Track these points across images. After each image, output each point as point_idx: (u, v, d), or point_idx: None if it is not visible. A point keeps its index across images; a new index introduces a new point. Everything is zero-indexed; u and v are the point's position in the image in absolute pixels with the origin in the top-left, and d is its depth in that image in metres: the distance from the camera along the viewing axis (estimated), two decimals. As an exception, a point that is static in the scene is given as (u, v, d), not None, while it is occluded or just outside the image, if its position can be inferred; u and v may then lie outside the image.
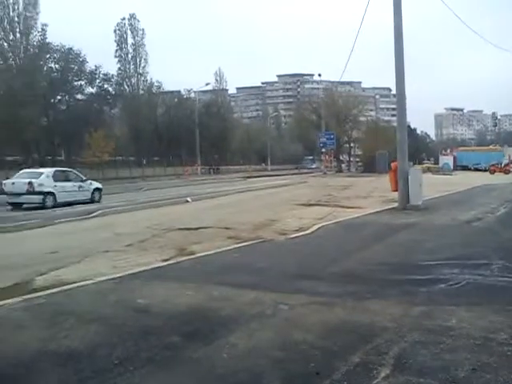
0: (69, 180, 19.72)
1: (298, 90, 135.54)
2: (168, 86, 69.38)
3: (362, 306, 4.72)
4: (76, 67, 51.81)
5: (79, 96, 54.50)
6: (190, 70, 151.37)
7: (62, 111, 52.92)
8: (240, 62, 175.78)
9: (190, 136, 60.73)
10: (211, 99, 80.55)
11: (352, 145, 72.13)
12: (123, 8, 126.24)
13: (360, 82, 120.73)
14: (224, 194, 22.99)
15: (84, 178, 20.65)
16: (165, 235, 10.24)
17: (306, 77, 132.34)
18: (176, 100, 70.90)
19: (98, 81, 54.75)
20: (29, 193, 17.53)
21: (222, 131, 70.14)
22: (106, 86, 56.39)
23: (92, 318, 4.39)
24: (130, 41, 61.59)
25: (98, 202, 19.59)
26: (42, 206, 17.25)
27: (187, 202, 18.83)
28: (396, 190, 14.65)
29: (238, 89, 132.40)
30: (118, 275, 6.22)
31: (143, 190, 27.67)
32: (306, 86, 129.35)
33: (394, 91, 19.58)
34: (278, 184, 31.42)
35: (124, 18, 60.88)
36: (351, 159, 73.74)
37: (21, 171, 20.85)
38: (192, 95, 71.29)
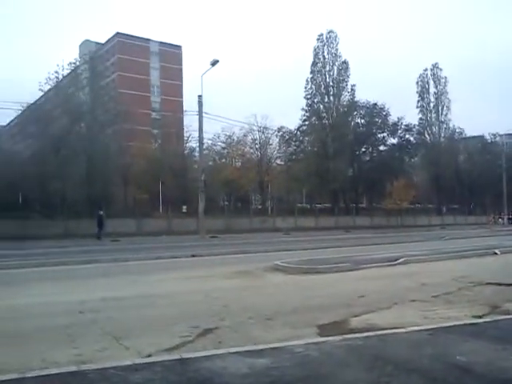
0: None
1: None
2: (470, 132, 66.50)
3: None
4: (380, 120, 54.94)
5: (381, 147, 57.27)
6: (495, 112, 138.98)
7: (365, 162, 56.47)
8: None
9: (496, 182, 55.75)
10: (520, 142, 72.66)
11: None
12: (423, 60, 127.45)
13: None
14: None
15: None
16: (472, 289, 9.59)
17: None
18: (479, 145, 66.83)
19: (399, 132, 56.63)
20: None
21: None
22: (407, 136, 57.80)
23: (410, 368, 4.40)
24: (433, 90, 61.79)
25: None
26: None
27: (495, 254, 17.19)
28: None
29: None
30: (429, 327, 6.12)
31: (445, 239, 26.61)
32: None
33: None
34: None
35: (426, 69, 61.55)
36: None
37: None
38: (497, 139, 66.05)
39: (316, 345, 5.21)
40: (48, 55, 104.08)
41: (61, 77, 41.68)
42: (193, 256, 17.07)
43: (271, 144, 57.22)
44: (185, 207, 44.10)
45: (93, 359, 4.94)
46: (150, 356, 5.06)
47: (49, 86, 41.51)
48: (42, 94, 42.77)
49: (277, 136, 55.77)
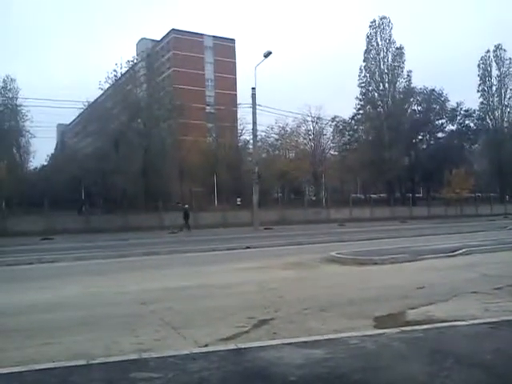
0: None
1: None
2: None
3: None
4: (438, 107, 53.17)
5: (439, 134, 55.46)
6: None
7: (422, 150, 54.83)
8: None
9: None
10: None
11: None
12: (484, 42, 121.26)
13: None
14: None
15: None
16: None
17: None
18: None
19: (458, 118, 54.61)
20: None
21: None
22: (466, 121, 55.65)
23: (472, 363, 4.26)
24: (495, 72, 58.70)
25: None
26: None
27: None
28: None
29: None
30: (491, 320, 5.89)
31: (508, 229, 25.39)
32: None
33: None
34: None
35: (488, 51, 58.52)
36: None
37: None
38: None
39: (372, 337, 5.15)
40: (108, 56, 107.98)
41: (119, 75, 43.11)
42: (247, 248, 17.28)
43: (325, 134, 56.72)
44: (239, 199, 44.57)
45: (153, 348, 5.13)
46: (206, 346, 5.19)
47: (108, 85, 43.07)
48: (101, 92, 44.46)
49: (330, 126, 55.20)
